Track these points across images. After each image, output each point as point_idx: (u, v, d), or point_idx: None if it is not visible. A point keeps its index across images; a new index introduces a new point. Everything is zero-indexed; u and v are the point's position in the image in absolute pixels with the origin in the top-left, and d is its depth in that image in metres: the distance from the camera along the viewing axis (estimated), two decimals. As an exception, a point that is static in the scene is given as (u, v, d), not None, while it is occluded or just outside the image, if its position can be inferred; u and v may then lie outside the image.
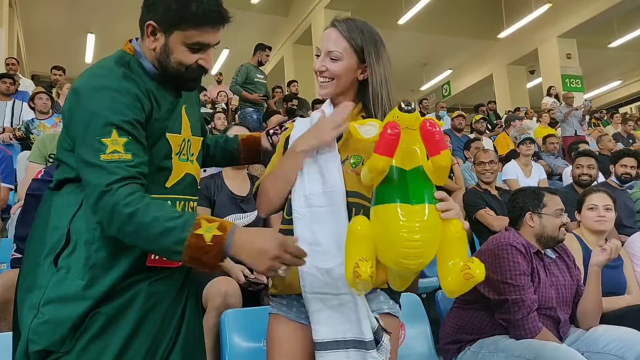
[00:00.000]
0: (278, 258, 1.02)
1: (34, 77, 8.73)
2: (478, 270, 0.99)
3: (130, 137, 1.10)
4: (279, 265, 1.03)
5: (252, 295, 2.20)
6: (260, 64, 5.94)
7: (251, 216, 2.42)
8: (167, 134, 1.21)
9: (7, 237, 2.67)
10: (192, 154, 1.29)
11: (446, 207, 1.06)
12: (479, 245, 3.40)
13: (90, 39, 11.90)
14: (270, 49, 6.16)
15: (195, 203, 1.33)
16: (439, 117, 7.77)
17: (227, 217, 2.32)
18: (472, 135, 6.57)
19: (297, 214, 1.24)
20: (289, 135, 1.38)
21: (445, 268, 1.05)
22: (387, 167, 1.04)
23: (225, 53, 12.64)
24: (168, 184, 1.21)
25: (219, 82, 8.58)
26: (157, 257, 1.17)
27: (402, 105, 1.04)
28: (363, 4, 9.90)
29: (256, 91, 5.75)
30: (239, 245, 1.03)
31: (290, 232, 1.24)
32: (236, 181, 2.48)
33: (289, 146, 1.33)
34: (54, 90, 6.51)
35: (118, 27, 11.35)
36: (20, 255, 2.04)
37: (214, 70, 13.25)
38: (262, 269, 1.04)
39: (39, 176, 2.21)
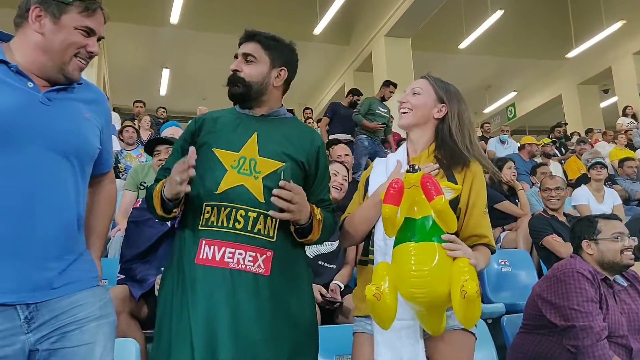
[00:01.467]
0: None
1: (114, 109, 9.48)
2: (470, 286, 1.13)
3: (172, 153, 1.59)
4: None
5: (327, 313, 2.33)
6: (383, 99, 6.46)
7: (333, 245, 2.58)
8: (214, 149, 1.47)
9: (106, 256, 2.97)
10: (259, 172, 1.45)
11: (453, 247, 1.24)
12: (546, 272, 3.34)
13: (165, 73, 12.76)
14: (395, 85, 6.58)
15: (254, 214, 1.41)
16: (502, 141, 7.62)
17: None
18: (539, 160, 6.39)
19: (377, 246, 1.45)
20: (369, 176, 1.58)
21: (456, 301, 1.19)
22: (392, 214, 1.26)
23: (288, 82, 13.11)
24: (217, 191, 1.42)
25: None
26: (204, 257, 1.40)
27: (409, 168, 1.28)
28: (423, 30, 10.01)
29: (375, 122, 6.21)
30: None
31: (369, 262, 1.50)
32: None
33: (369, 187, 1.54)
34: (135, 122, 7.08)
35: (189, 61, 12.17)
36: (123, 276, 2.30)
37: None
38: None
39: (138, 205, 2.47)
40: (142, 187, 3.09)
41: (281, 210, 1.36)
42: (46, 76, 1.23)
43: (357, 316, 1.53)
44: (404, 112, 1.54)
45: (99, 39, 1.28)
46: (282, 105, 1.62)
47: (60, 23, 1.19)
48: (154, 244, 2.30)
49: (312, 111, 9.51)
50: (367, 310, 1.42)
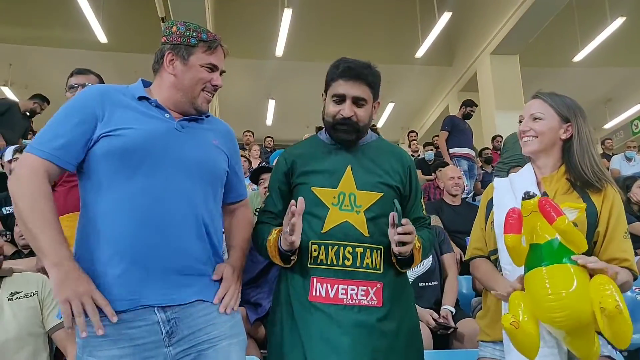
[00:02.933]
0: None
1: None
2: (608, 301, 1.07)
3: (269, 193, 1.61)
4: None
5: (441, 338, 2.27)
6: None
7: (427, 263, 2.55)
8: (313, 188, 1.49)
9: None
10: (360, 206, 1.46)
11: (592, 259, 1.19)
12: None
13: (271, 103, 13.42)
14: None
15: (360, 249, 1.44)
16: (628, 159, 6.90)
17: None
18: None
19: (505, 271, 1.44)
20: (491, 198, 1.55)
21: (599, 320, 1.13)
22: (515, 243, 1.24)
23: (390, 106, 13.12)
24: (323, 230, 1.45)
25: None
26: (317, 294, 1.42)
27: (523, 195, 1.25)
28: (532, 45, 9.52)
29: None
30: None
31: None
32: None
33: (492, 208, 1.51)
34: (245, 152, 7.50)
35: (292, 91, 12.69)
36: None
37: (379, 123, 13.84)
38: None
39: None
40: (256, 214, 3.24)
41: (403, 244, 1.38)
42: (180, 110, 1.39)
43: (482, 341, 1.46)
44: (527, 140, 1.49)
45: (221, 73, 1.42)
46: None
47: (189, 63, 1.36)
48: (264, 268, 2.40)
49: (417, 134, 9.37)
50: (495, 336, 1.36)
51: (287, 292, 1.48)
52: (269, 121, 14.15)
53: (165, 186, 1.27)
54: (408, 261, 1.46)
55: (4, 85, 10.99)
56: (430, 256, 2.55)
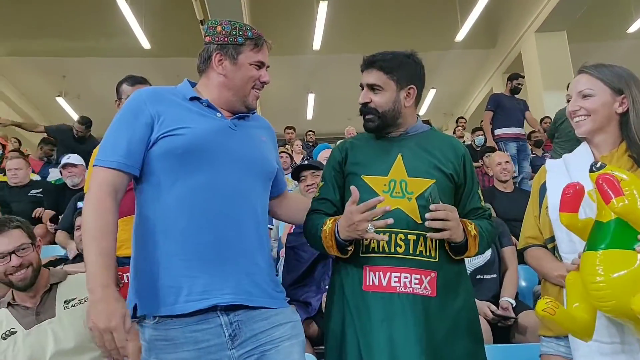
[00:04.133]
0: None
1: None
2: (636, 302, 0.99)
3: (324, 182, 1.59)
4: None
5: (501, 331, 2.21)
6: None
7: (486, 255, 2.49)
8: (363, 176, 1.48)
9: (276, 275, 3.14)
10: (412, 193, 1.43)
11: None
12: None
13: (311, 98, 13.44)
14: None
15: (413, 237, 1.40)
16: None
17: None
18: None
19: (565, 261, 1.35)
20: (545, 181, 1.47)
21: None
22: (571, 222, 1.19)
23: (432, 93, 12.87)
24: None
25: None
26: (370, 284, 1.39)
27: (590, 166, 1.17)
28: (580, 19, 9.06)
29: None
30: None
31: None
32: None
33: (546, 192, 1.42)
34: (288, 147, 7.55)
35: (332, 83, 12.65)
36: (288, 299, 2.42)
37: (421, 111, 13.59)
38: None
39: (292, 230, 2.60)
40: None
41: (438, 231, 1.35)
42: (230, 108, 1.40)
43: (545, 336, 1.40)
44: (579, 121, 1.38)
45: (266, 68, 1.43)
46: (417, 119, 1.60)
47: (238, 63, 1.37)
48: (310, 266, 2.40)
49: (465, 121, 9.12)
50: (558, 330, 1.30)
51: (340, 284, 1.48)
52: (309, 115, 14.18)
53: (226, 184, 1.29)
54: (461, 249, 1.41)
55: (59, 96, 11.56)
56: (490, 248, 2.49)
